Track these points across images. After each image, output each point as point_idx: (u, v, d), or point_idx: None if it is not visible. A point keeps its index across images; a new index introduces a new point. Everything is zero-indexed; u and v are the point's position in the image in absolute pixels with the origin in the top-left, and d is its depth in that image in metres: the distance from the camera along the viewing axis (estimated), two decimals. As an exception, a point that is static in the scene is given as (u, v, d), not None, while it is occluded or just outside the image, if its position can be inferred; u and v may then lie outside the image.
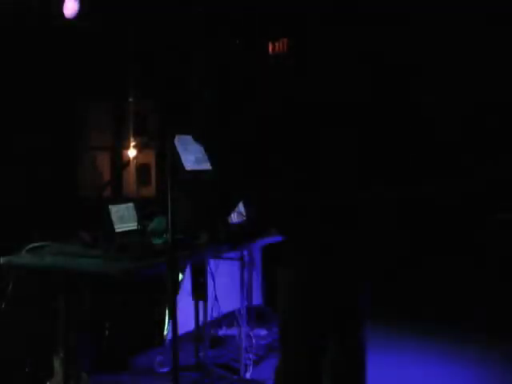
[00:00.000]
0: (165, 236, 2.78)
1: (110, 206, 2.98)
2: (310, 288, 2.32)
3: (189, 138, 3.16)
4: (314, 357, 2.37)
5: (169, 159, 2.34)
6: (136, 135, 7.37)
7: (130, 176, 7.18)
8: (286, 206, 2.36)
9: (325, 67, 2.40)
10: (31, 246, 2.76)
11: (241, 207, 3.25)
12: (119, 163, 7.73)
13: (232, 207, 2.90)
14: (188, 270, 3.94)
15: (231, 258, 3.71)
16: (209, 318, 3.93)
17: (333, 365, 2.48)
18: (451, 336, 4.63)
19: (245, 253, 3.75)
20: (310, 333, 2.36)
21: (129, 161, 7.34)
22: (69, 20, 5.66)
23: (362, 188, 2.42)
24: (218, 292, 3.90)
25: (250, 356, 3.79)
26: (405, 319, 5.00)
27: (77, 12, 5.61)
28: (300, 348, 2.36)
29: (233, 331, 4.31)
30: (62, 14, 5.63)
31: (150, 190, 7.13)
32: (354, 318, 2.54)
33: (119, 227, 2.97)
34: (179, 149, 3.18)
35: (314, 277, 2.32)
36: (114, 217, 2.97)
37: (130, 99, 7.40)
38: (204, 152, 3.14)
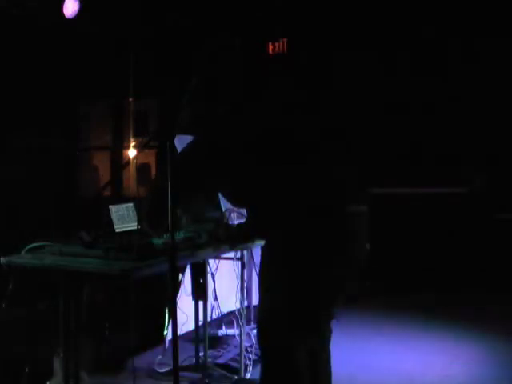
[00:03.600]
0: (165, 235, 2.78)
1: (110, 206, 2.98)
2: (304, 284, 2.35)
3: (189, 137, 3.16)
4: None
5: (169, 159, 2.34)
6: (136, 135, 7.38)
7: (130, 176, 7.18)
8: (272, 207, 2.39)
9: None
10: (31, 245, 2.76)
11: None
12: (119, 163, 7.74)
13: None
14: (188, 270, 3.93)
15: (231, 258, 3.71)
16: (209, 318, 3.93)
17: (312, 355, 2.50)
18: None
19: (245, 253, 3.74)
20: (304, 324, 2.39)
21: (129, 161, 7.34)
22: (69, 20, 5.66)
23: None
24: (218, 292, 3.90)
25: (250, 356, 3.79)
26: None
27: (77, 12, 5.61)
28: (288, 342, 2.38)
29: (233, 331, 4.30)
30: (62, 13, 5.64)
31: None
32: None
33: (119, 227, 2.97)
34: (179, 149, 3.18)
35: (307, 274, 2.34)
36: (114, 217, 2.97)
37: (130, 99, 7.40)
38: None
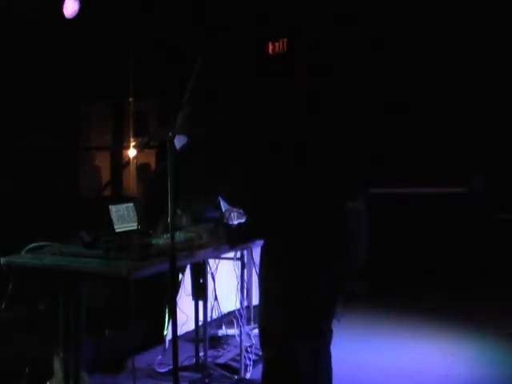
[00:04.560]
0: (165, 236, 2.78)
1: (110, 206, 2.98)
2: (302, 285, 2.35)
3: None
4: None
5: (169, 159, 2.34)
6: (136, 135, 7.39)
7: (130, 176, 7.19)
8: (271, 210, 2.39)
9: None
10: (31, 245, 2.76)
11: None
12: (119, 163, 7.74)
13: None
14: (188, 270, 3.94)
15: (231, 258, 3.71)
16: (209, 318, 3.93)
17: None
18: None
19: (245, 253, 3.74)
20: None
21: (129, 161, 7.35)
22: (69, 20, 5.66)
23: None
24: (218, 292, 3.90)
25: (250, 356, 3.79)
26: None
27: (77, 12, 5.62)
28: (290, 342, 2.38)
29: (233, 331, 4.31)
30: (62, 13, 5.64)
31: (150, 190, 7.12)
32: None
33: (119, 227, 2.97)
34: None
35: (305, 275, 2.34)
36: (114, 217, 2.97)
37: (130, 99, 7.41)
38: None
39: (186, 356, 3.90)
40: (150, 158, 7.28)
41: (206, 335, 3.85)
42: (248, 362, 3.75)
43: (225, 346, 4.27)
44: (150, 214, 2.89)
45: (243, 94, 2.45)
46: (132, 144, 7.25)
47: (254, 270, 4.29)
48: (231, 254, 3.64)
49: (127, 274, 2.46)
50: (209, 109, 2.54)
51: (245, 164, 2.43)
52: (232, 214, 3.27)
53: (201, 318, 3.87)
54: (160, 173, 2.33)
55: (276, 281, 2.40)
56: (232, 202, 2.90)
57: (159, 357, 3.89)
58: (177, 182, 2.38)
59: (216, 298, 3.90)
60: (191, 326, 3.96)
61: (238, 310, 3.78)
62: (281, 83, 2.39)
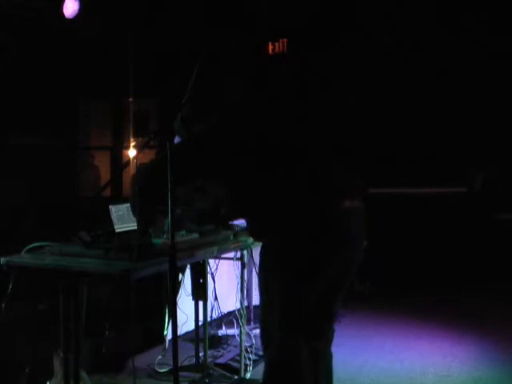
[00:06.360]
0: (165, 236, 2.78)
1: (110, 206, 2.98)
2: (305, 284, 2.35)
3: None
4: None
5: (169, 159, 2.33)
6: (136, 135, 7.39)
7: (130, 176, 7.18)
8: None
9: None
10: (31, 245, 2.76)
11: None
12: (119, 163, 7.75)
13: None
14: (188, 270, 3.94)
15: (231, 258, 3.71)
16: (209, 318, 3.93)
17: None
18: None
19: (245, 253, 3.74)
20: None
21: (129, 161, 7.35)
22: (69, 20, 5.67)
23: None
24: (218, 292, 3.90)
25: (250, 356, 3.79)
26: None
27: (77, 12, 5.62)
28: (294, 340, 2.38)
29: (233, 331, 4.31)
30: (62, 13, 5.64)
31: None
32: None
33: (119, 227, 2.97)
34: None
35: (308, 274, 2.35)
36: (114, 217, 2.96)
37: (130, 99, 7.41)
38: None
39: (186, 356, 3.91)
40: (150, 158, 7.27)
41: (206, 335, 3.85)
42: (248, 362, 3.75)
43: (225, 346, 4.27)
44: (147, 213, 2.87)
45: (243, 94, 2.45)
46: (132, 144, 7.25)
47: (254, 269, 4.29)
48: (231, 254, 3.64)
49: (127, 274, 2.46)
50: (207, 109, 2.54)
51: (243, 165, 2.42)
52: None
53: (201, 318, 3.87)
54: (160, 162, 2.30)
55: (275, 281, 2.40)
56: (228, 204, 2.89)
57: (159, 357, 3.89)
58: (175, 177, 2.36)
59: (216, 298, 3.91)
60: (191, 326, 3.96)
61: (238, 309, 3.77)
62: (280, 83, 2.39)
